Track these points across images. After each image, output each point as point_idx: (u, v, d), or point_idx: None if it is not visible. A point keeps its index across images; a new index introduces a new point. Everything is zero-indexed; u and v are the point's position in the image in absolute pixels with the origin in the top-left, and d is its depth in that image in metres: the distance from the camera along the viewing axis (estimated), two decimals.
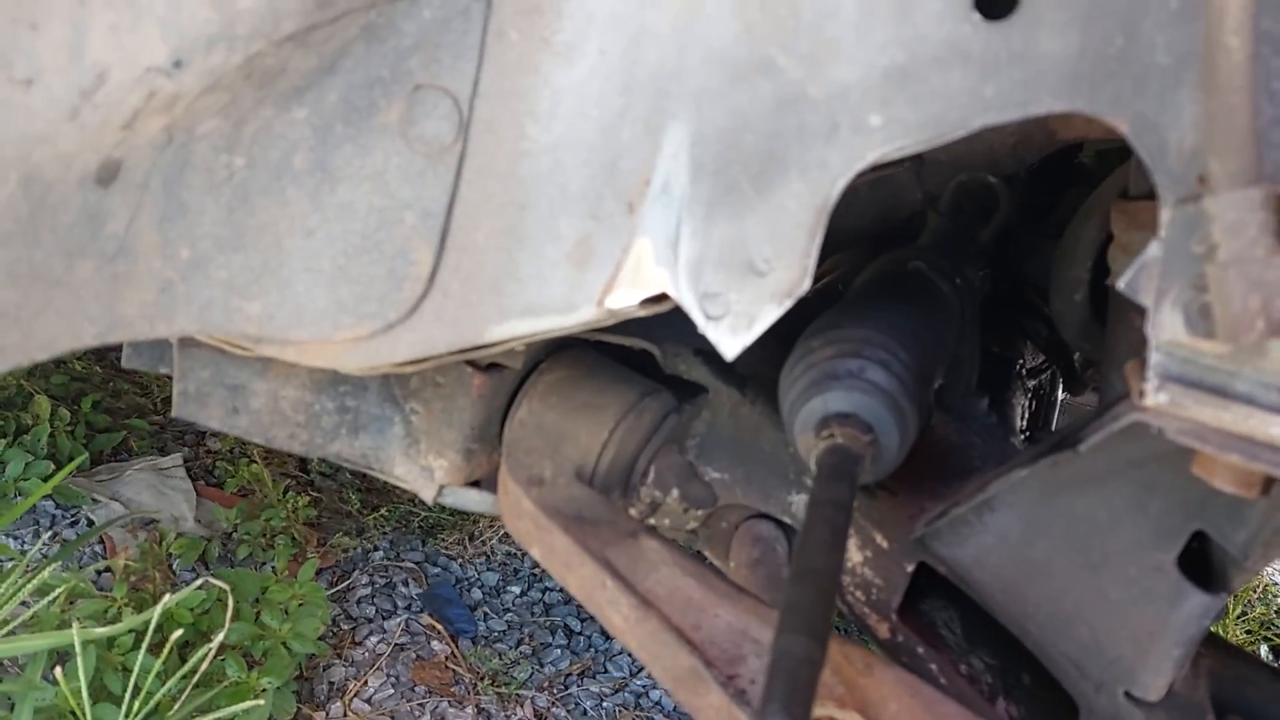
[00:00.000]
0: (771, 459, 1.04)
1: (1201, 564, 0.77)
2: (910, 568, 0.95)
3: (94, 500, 1.75)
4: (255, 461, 1.93)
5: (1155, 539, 0.75)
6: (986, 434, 1.17)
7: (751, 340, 0.70)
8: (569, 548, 0.88)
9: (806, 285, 0.67)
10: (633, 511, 1.03)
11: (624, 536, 0.91)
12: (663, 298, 0.73)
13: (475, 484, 1.04)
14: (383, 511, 2.03)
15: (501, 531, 2.05)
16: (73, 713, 1.18)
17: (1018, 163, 1.34)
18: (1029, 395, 1.66)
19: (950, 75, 0.61)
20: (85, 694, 1.09)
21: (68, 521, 1.74)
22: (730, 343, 0.70)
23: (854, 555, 0.99)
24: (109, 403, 2.01)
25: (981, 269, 1.44)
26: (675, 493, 1.02)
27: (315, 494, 2.01)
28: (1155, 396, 0.60)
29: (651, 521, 1.08)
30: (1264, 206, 0.51)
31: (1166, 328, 0.58)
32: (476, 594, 1.89)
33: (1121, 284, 0.60)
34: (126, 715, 1.11)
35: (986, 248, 1.36)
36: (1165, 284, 0.58)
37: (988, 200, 1.33)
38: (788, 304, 0.68)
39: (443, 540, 2.02)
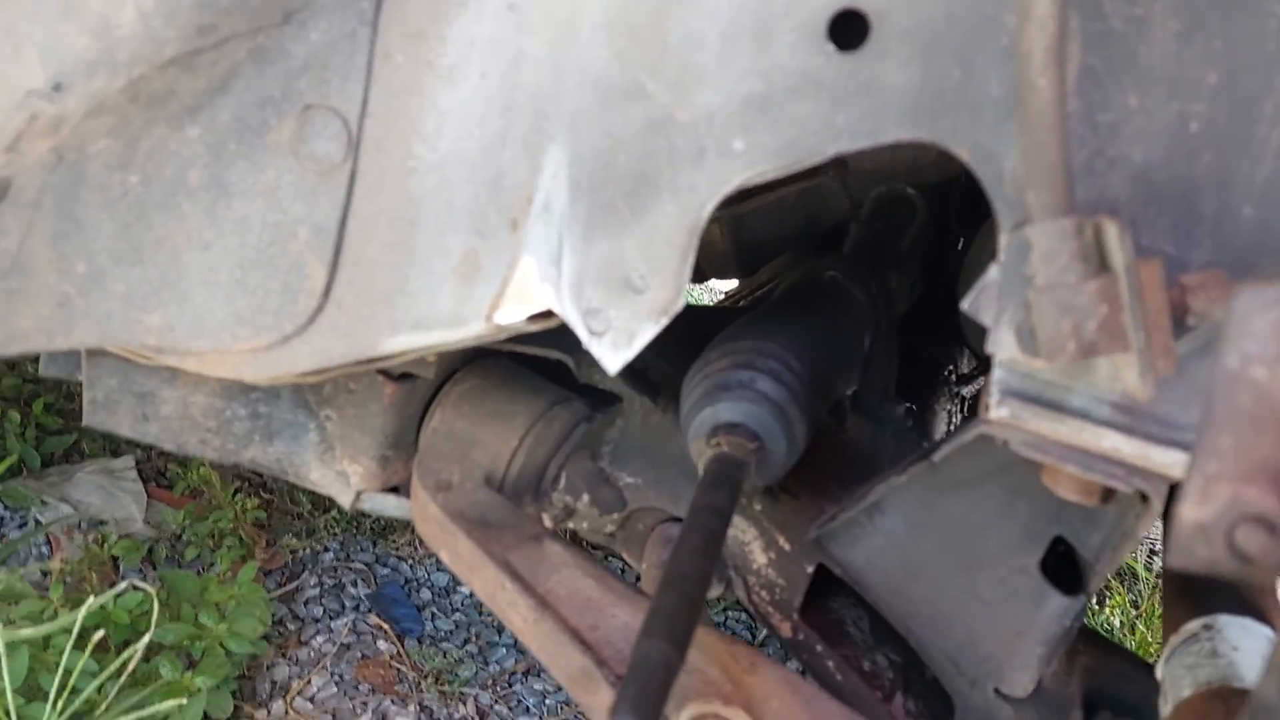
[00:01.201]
0: (682, 463, 1.07)
1: (1068, 567, 0.80)
2: (810, 568, 0.98)
3: (42, 502, 1.76)
4: (204, 464, 1.95)
5: (1022, 542, 0.79)
6: (900, 438, 1.21)
7: (632, 356, 0.72)
8: (472, 551, 0.91)
9: (681, 303, 0.70)
10: (546, 517, 1.06)
11: (526, 540, 0.94)
12: (549, 313, 0.76)
13: (394, 490, 1.06)
14: (333, 513, 2.05)
15: None
16: (4, 711, 1.20)
17: (941, 172, 1.38)
18: (959, 401, 1.70)
19: (805, 104, 0.64)
20: (10, 695, 1.11)
21: (16, 523, 1.75)
22: (612, 358, 0.73)
23: (759, 557, 1.02)
24: (62, 404, 2.03)
25: (910, 276, 1.48)
26: (586, 498, 1.04)
27: (267, 496, 2.02)
28: (998, 410, 0.64)
29: (570, 525, 1.11)
30: (1074, 236, 0.54)
31: (1004, 346, 0.61)
32: (426, 594, 1.92)
33: (965, 305, 0.63)
34: (54, 711, 1.13)
35: (909, 256, 1.39)
36: (1002, 304, 0.61)
37: (907, 211, 1.37)
38: (664, 321, 0.71)
39: (393, 542, 2.05)
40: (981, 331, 0.61)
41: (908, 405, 1.31)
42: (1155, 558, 2.72)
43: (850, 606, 1.07)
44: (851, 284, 1.19)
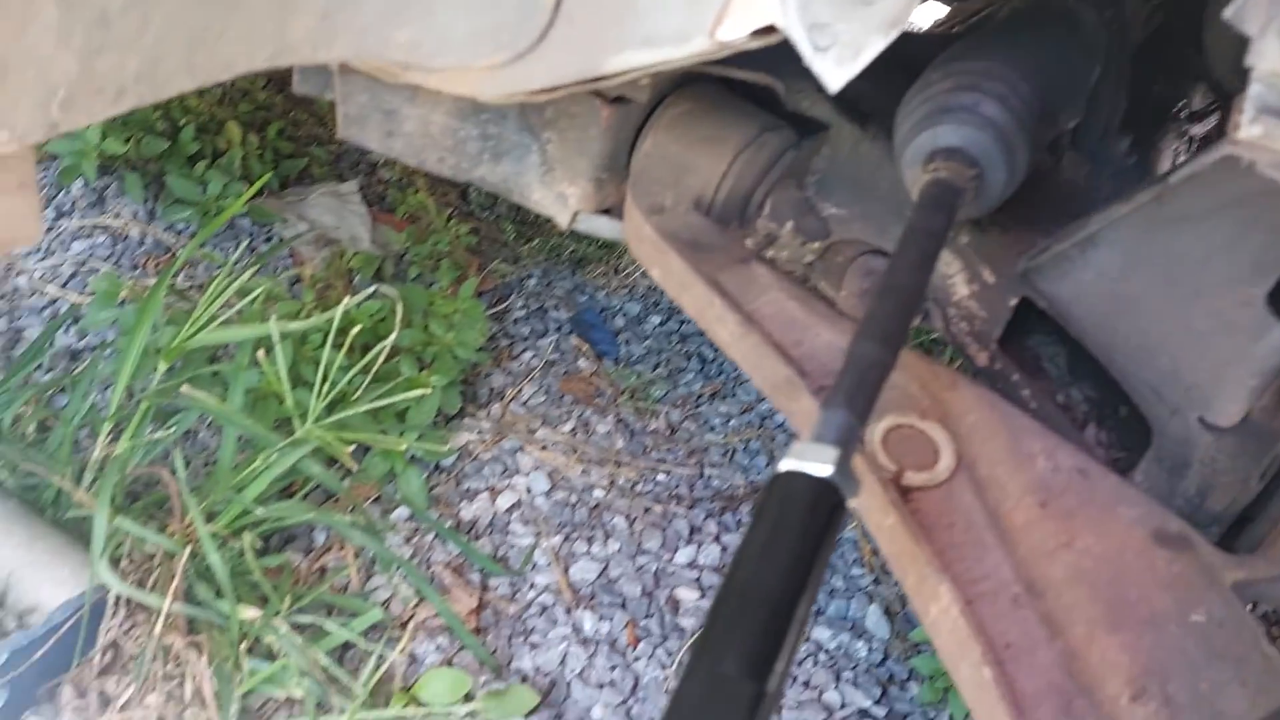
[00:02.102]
0: (889, 195, 1.07)
1: None
2: (1013, 302, 0.99)
3: (284, 220, 1.95)
4: (420, 191, 2.08)
5: (1250, 275, 0.77)
6: (1119, 178, 1.16)
7: (856, 71, 0.72)
8: (683, 269, 0.97)
9: (911, 13, 0.69)
10: (749, 242, 1.10)
11: (735, 262, 0.99)
12: (771, 29, 0.76)
13: (606, 212, 1.12)
14: (535, 243, 2.17)
15: None
16: (275, 395, 1.39)
17: None
18: (1188, 142, 1.59)
19: None
20: (285, 378, 1.29)
21: (263, 237, 1.95)
22: (835, 74, 0.73)
23: (961, 289, 1.04)
24: (291, 130, 2.18)
25: (1149, 3, 1.36)
26: (789, 225, 1.07)
27: (475, 224, 2.16)
28: (1250, 129, 0.61)
29: (769, 254, 1.15)
30: None
31: (1267, 57, 0.58)
32: (620, 321, 2.04)
33: (1228, 13, 0.60)
34: (317, 398, 1.31)
35: None
36: (1273, 10, 0.58)
37: None
38: (893, 34, 0.70)
39: (590, 272, 2.16)
40: (1230, 55, 0.58)
41: (1131, 144, 1.25)
42: None
43: (1048, 344, 1.08)
44: (1084, 8, 1.11)
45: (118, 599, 1.22)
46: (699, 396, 1.87)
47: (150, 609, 1.21)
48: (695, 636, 1.43)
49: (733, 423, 1.81)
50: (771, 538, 0.54)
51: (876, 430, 0.85)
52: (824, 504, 0.56)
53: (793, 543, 0.53)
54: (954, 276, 1.05)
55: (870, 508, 0.82)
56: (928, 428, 0.85)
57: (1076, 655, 0.72)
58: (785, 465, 0.58)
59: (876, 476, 0.81)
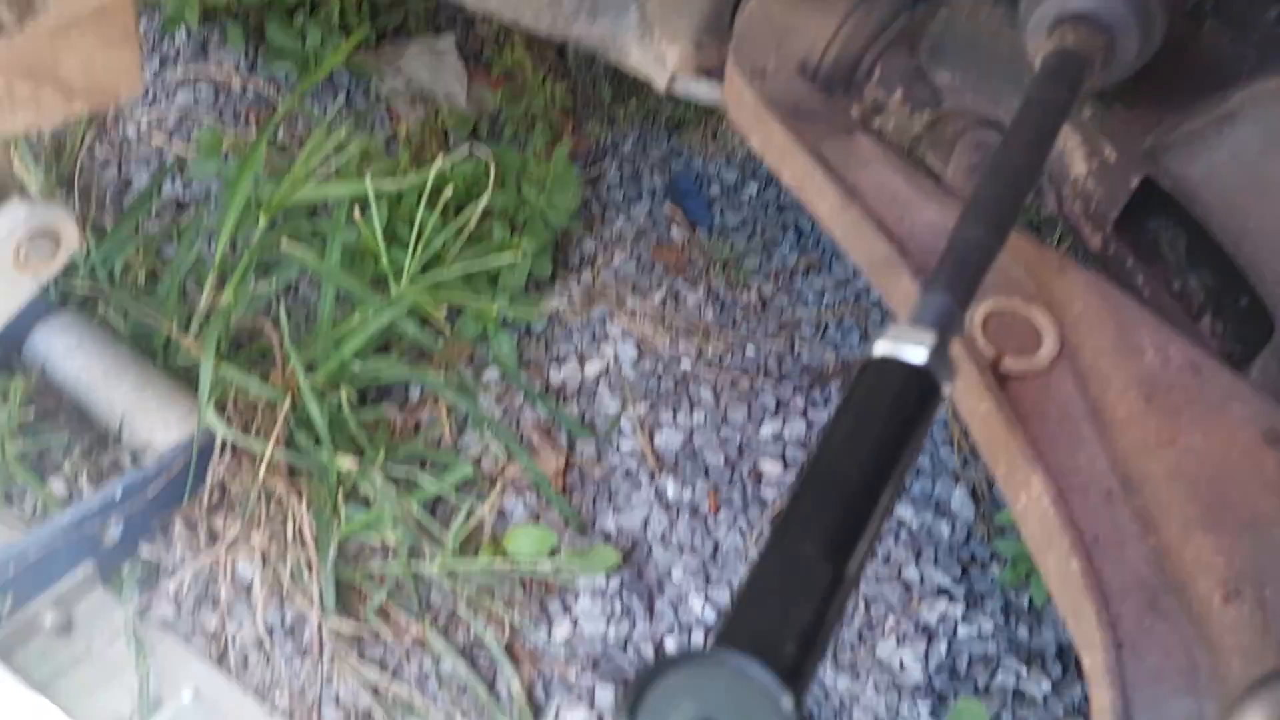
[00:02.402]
0: (1008, 64, 1.00)
1: None
2: (1134, 181, 0.93)
3: (380, 74, 1.94)
4: (517, 47, 2.04)
5: None
6: (1266, 49, 1.07)
7: None
8: (784, 138, 0.93)
9: None
10: (854, 111, 1.05)
11: (838, 131, 0.95)
12: None
13: (705, 75, 1.08)
14: (632, 105, 2.11)
15: None
16: (371, 253, 1.41)
17: None
18: None
19: None
20: (380, 237, 1.31)
21: (360, 91, 1.95)
22: None
23: (1079, 166, 0.98)
24: None
25: None
26: (899, 93, 1.02)
27: (571, 84, 2.11)
28: None
29: (875, 124, 1.10)
30: None
31: None
32: (715, 189, 2.00)
33: None
34: (412, 257, 1.32)
35: None
36: None
37: None
38: None
39: (687, 137, 2.11)
40: None
41: None
42: None
43: (1167, 228, 1.02)
44: None
45: (224, 442, 1.28)
46: (793, 270, 1.84)
47: (254, 453, 1.27)
48: (776, 508, 1.45)
49: (827, 298, 1.78)
50: (861, 422, 0.53)
51: (976, 313, 0.82)
52: (917, 391, 0.55)
53: (882, 429, 0.52)
54: (1072, 153, 0.99)
55: (964, 393, 0.79)
56: (1031, 313, 0.82)
57: (1169, 553, 0.70)
58: (880, 349, 0.56)
59: (973, 361, 0.79)
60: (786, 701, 0.37)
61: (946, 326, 0.58)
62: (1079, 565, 0.70)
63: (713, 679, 0.39)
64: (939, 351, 0.55)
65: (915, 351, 0.55)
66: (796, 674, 0.40)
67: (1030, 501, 0.74)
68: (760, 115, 0.96)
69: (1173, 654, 0.67)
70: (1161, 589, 0.69)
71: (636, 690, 0.38)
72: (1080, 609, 0.70)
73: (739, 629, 0.43)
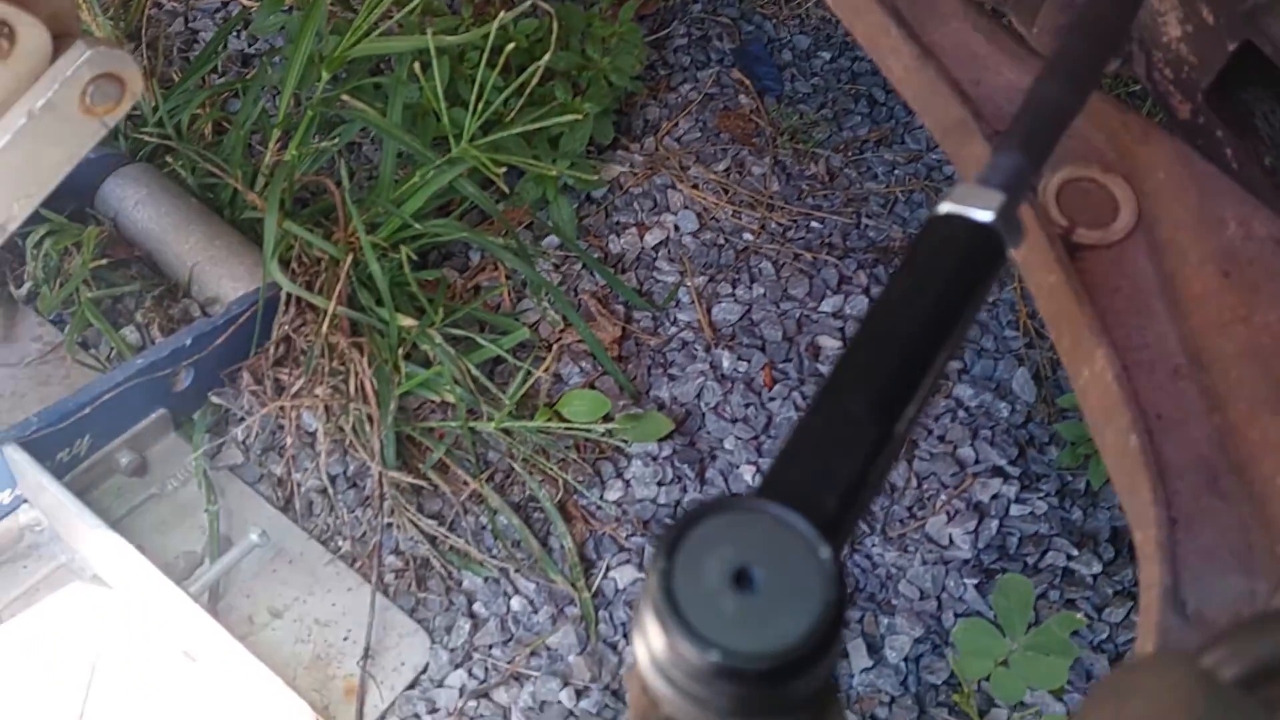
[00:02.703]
0: None
1: None
2: (1232, 46, 0.87)
3: None
4: None
5: None
6: None
7: None
8: None
9: None
10: None
11: None
12: None
13: None
14: None
15: None
16: (433, 112, 1.40)
17: None
18: None
19: None
20: (441, 95, 1.29)
21: None
22: None
23: (1172, 29, 0.92)
24: None
25: None
26: None
27: None
28: None
29: None
30: None
31: None
32: (786, 55, 1.92)
33: None
34: (472, 117, 1.30)
35: None
36: None
37: None
38: None
39: None
40: None
41: None
42: None
43: (1264, 99, 0.96)
44: None
45: (289, 297, 1.30)
46: (864, 141, 1.78)
47: (318, 309, 1.30)
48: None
49: (897, 172, 1.73)
50: (920, 280, 0.52)
51: (1052, 181, 0.79)
52: (981, 250, 0.53)
53: (942, 288, 0.51)
54: (1165, 15, 0.92)
55: (1032, 264, 0.77)
56: (1109, 182, 0.79)
57: (1233, 432, 0.68)
58: (945, 207, 0.54)
59: (1044, 231, 0.76)
60: (825, 551, 0.37)
61: (1017, 186, 0.55)
62: (1138, 441, 0.68)
63: (752, 527, 0.39)
64: (1007, 211, 0.53)
65: (982, 211, 0.53)
66: (836, 527, 0.40)
67: (1093, 376, 0.73)
68: None
69: (1228, 533, 0.66)
70: (1223, 469, 0.68)
71: (676, 533, 0.38)
72: (1136, 485, 0.69)
73: (781, 481, 0.42)
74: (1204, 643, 0.44)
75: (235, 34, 1.70)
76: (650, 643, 0.36)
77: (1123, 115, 0.80)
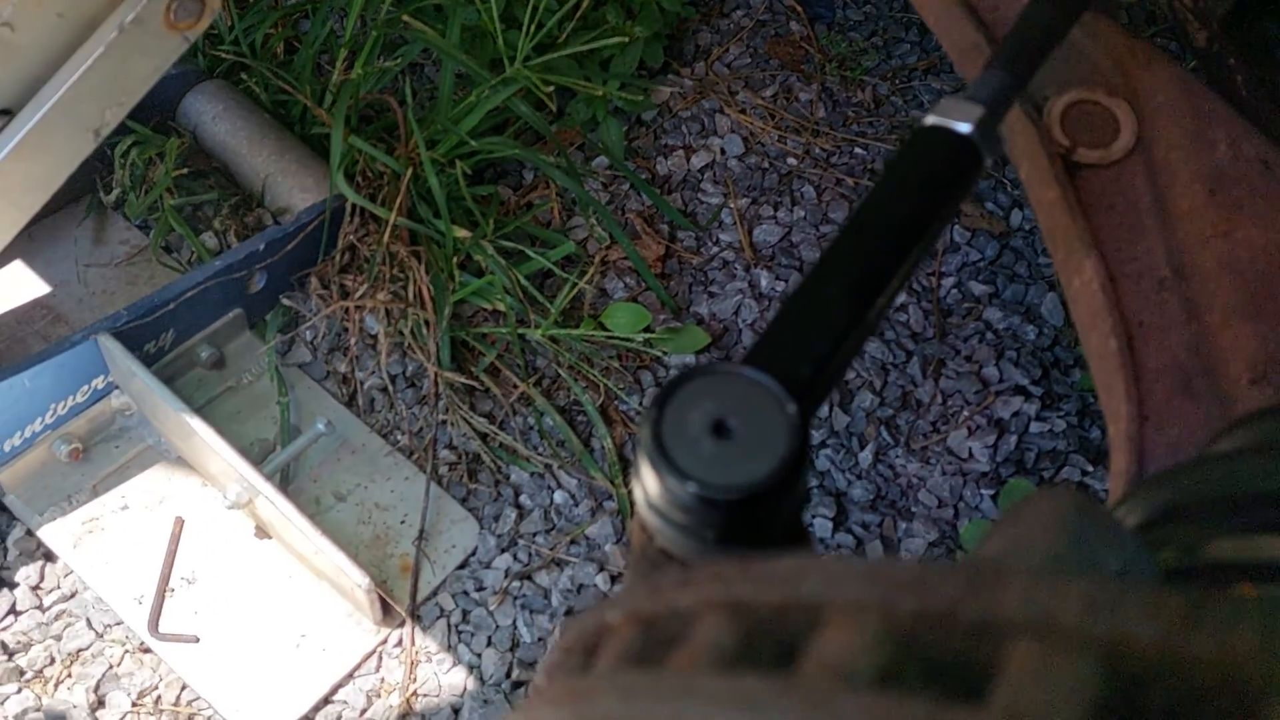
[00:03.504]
0: None
1: None
2: None
3: None
4: None
5: None
6: None
7: None
8: None
9: None
10: None
11: None
12: None
13: None
14: None
15: None
16: (489, 34, 1.47)
17: None
18: None
19: None
20: (497, 17, 1.36)
21: None
22: None
23: None
24: None
25: None
26: None
27: None
28: None
29: None
30: None
31: None
32: None
33: None
34: (526, 38, 1.37)
35: None
36: None
37: None
38: None
39: None
40: None
41: None
42: None
43: None
44: None
45: (354, 208, 1.40)
46: (912, 70, 1.80)
47: (380, 220, 1.39)
48: None
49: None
50: (901, 184, 0.58)
51: (1058, 104, 0.83)
52: (958, 159, 0.59)
53: (919, 192, 0.57)
54: None
55: (1034, 180, 0.82)
56: (1113, 105, 0.83)
57: (1207, 338, 0.74)
58: (930, 118, 0.60)
59: (1046, 150, 0.81)
60: (791, 408, 0.45)
61: (998, 101, 0.61)
62: (1116, 345, 0.74)
63: (732, 386, 0.46)
64: (986, 124, 0.59)
65: (963, 123, 0.59)
66: (806, 392, 0.47)
67: (1082, 285, 0.78)
68: None
69: (1195, 430, 0.72)
70: (1195, 371, 0.74)
71: (666, 390, 0.45)
72: (1113, 385, 0.75)
73: (762, 351, 0.50)
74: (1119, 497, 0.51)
75: None
76: (644, 483, 0.43)
77: (1130, 41, 0.84)
